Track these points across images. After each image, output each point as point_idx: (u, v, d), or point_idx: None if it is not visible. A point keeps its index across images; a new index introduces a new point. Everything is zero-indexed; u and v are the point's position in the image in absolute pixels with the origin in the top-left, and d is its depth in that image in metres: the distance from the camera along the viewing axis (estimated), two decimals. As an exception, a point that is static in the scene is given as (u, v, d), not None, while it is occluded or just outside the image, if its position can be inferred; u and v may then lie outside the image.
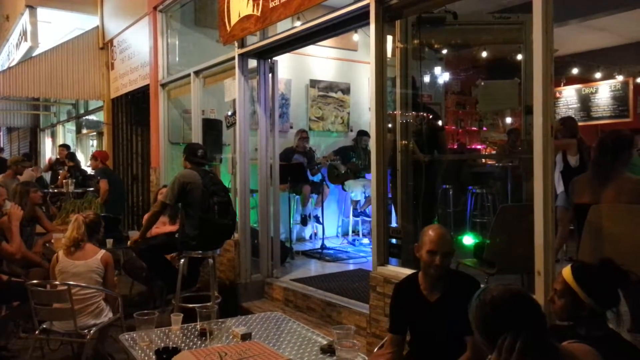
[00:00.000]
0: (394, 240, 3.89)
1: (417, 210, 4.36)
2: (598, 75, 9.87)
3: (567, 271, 1.95)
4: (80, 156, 11.02)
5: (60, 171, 9.08)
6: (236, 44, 5.37)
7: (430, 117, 4.74)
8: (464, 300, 2.51)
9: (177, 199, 4.33)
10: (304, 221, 7.17)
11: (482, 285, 2.61)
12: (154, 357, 2.34)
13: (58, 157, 9.70)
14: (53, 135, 13.91)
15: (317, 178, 7.11)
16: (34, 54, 9.37)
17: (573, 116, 9.53)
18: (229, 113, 5.85)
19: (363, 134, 7.35)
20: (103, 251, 3.89)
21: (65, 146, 10.02)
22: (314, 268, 5.92)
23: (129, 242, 4.73)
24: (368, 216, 6.97)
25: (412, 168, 4.37)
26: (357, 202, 7.15)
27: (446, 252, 2.54)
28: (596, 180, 3.36)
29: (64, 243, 3.81)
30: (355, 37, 7.68)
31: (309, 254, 6.54)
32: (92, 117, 11.50)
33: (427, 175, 4.51)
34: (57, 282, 3.67)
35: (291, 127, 7.46)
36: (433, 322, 2.56)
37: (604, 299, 1.89)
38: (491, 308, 1.64)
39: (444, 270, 2.55)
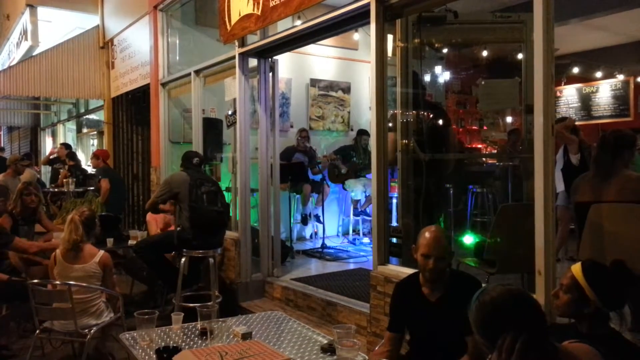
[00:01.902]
0: (394, 240, 3.89)
1: (421, 209, 4.35)
2: (599, 74, 9.87)
3: (577, 267, 1.95)
4: (80, 155, 11.02)
5: (61, 170, 9.08)
6: (236, 43, 5.36)
7: (436, 115, 4.68)
8: (464, 300, 2.51)
9: (167, 200, 4.65)
10: (305, 220, 7.17)
11: (483, 285, 2.62)
12: (154, 356, 2.34)
13: (58, 155, 9.67)
14: (54, 135, 13.92)
15: (317, 177, 7.11)
16: (34, 53, 9.37)
17: (572, 117, 9.54)
18: (230, 112, 5.85)
19: (363, 133, 7.35)
20: (101, 253, 3.80)
21: (65, 145, 10.02)
22: (315, 267, 5.92)
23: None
24: (368, 215, 6.97)
25: (415, 167, 4.36)
26: (358, 201, 7.15)
27: (440, 257, 2.53)
28: (598, 179, 3.35)
29: (63, 247, 3.73)
30: (356, 36, 7.68)
31: (310, 253, 6.54)
32: (92, 116, 11.50)
33: (431, 175, 4.50)
34: (57, 282, 3.66)
35: (292, 127, 7.46)
36: (433, 322, 2.55)
37: (610, 299, 1.89)
38: (491, 309, 1.64)
39: (438, 274, 2.54)
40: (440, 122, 4.87)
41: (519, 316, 1.60)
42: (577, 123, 6.26)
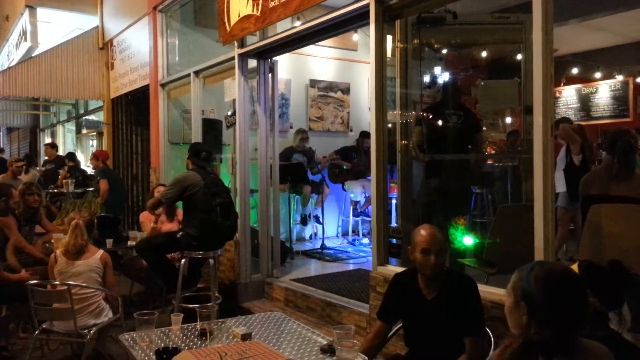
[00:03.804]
0: (394, 240, 3.90)
1: (440, 214, 4.34)
2: (598, 75, 9.87)
3: (574, 269, 1.94)
4: (80, 156, 11.02)
5: (60, 171, 9.08)
6: (236, 44, 5.36)
7: (464, 116, 4.57)
8: (461, 299, 2.53)
9: (173, 201, 4.45)
10: (304, 221, 7.17)
11: (478, 285, 2.63)
12: (154, 357, 2.34)
13: (46, 156, 9.63)
14: (53, 136, 13.91)
15: (317, 178, 7.10)
16: (33, 54, 9.37)
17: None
18: (229, 113, 5.85)
19: (364, 135, 7.33)
20: (102, 251, 3.89)
21: (51, 145, 10.01)
22: (314, 268, 5.92)
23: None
24: (368, 216, 6.96)
25: (431, 168, 4.35)
26: (357, 202, 7.15)
27: (439, 250, 2.55)
28: (621, 177, 3.40)
29: (65, 249, 3.76)
30: (355, 37, 7.68)
31: (309, 254, 6.54)
32: (92, 117, 11.50)
33: (451, 176, 4.49)
34: (57, 282, 3.67)
35: (291, 127, 7.45)
36: (430, 320, 2.56)
37: (609, 299, 1.89)
38: (560, 280, 1.58)
39: (439, 269, 2.55)
40: (476, 123, 4.79)
41: (579, 298, 1.58)
42: (575, 124, 6.25)
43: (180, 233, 4.47)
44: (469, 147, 4.62)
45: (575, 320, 1.55)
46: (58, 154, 10.22)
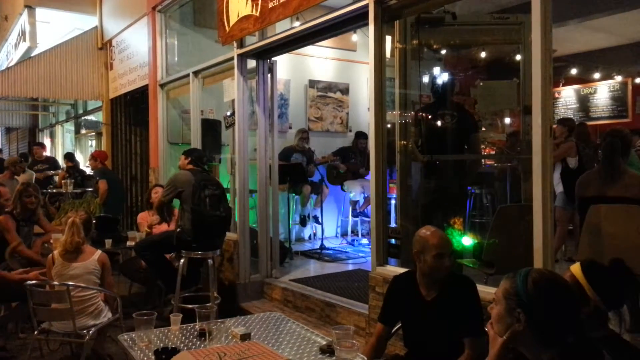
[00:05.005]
0: (393, 241, 3.90)
1: (440, 214, 4.34)
2: (597, 75, 9.88)
3: (576, 267, 1.94)
4: (79, 156, 11.00)
5: (60, 171, 9.06)
6: (235, 44, 5.36)
7: (459, 116, 4.56)
8: (460, 300, 2.53)
9: (170, 199, 4.65)
10: (303, 221, 7.17)
11: (477, 286, 2.63)
12: (153, 357, 2.34)
13: (35, 156, 9.56)
14: (52, 136, 13.89)
15: (316, 178, 7.10)
16: (32, 54, 9.36)
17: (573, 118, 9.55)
18: (228, 113, 5.85)
19: (360, 135, 7.34)
20: (99, 252, 3.87)
21: (40, 144, 9.95)
22: (313, 268, 5.92)
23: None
24: (367, 216, 6.96)
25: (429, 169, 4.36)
26: (356, 202, 7.15)
27: (451, 252, 2.55)
28: (606, 177, 3.41)
29: (63, 248, 3.75)
30: (354, 37, 7.68)
31: (308, 254, 6.54)
32: (91, 117, 11.48)
33: (449, 177, 4.49)
34: (56, 283, 3.66)
35: (290, 128, 7.46)
36: (429, 321, 2.56)
37: (610, 298, 1.89)
38: (556, 288, 1.59)
39: (449, 270, 2.56)
40: (472, 123, 4.78)
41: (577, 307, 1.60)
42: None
43: (177, 230, 4.52)
44: (465, 147, 4.62)
45: (574, 323, 1.55)
46: (46, 154, 10.14)
